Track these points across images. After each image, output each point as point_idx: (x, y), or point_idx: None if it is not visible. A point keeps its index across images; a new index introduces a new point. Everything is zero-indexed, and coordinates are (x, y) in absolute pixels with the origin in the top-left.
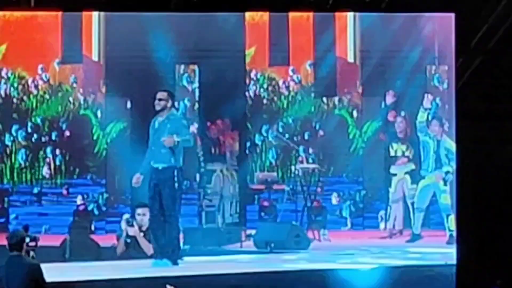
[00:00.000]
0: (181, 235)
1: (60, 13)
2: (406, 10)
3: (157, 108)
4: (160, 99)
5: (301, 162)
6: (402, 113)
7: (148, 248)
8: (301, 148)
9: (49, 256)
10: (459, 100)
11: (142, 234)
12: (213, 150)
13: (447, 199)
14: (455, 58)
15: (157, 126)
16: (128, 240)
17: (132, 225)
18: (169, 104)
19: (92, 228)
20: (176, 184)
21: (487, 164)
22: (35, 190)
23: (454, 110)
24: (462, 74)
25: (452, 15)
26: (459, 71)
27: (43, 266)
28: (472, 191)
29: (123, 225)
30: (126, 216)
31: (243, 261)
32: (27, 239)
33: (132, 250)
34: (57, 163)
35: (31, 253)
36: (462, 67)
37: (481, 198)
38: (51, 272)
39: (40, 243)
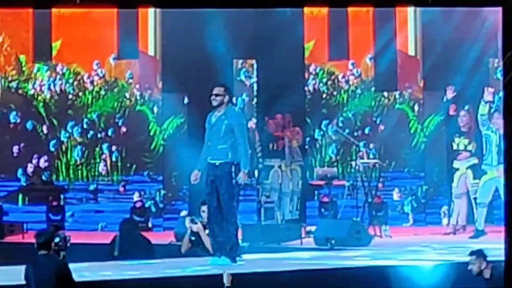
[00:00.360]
0: (239, 232)
1: (115, 9)
2: (453, 4)
3: (214, 103)
4: (217, 94)
5: (362, 157)
6: (466, 107)
7: (210, 245)
8: (361, 143)
9: (103, 253)
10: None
11: (206, 231)
12: (271, 146)
13: None
14: (502, 52)
15: (214, 121)
16: (193, 238)
17: (196, 223)
18: (226, 99)
19: (149, 225)
20: (233, 180)
21: None
22: (91, 187)
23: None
24: (509, 69)
25: (499, 9)
26: (506, 66)
27: (95, 264)
28: None
29: (187, 222)
30: (184, 212)
31: (303, 258)
32: (57, 239)
33: (196, 248)
34: (114, 159)
35: (62, 253)
36: (509, 61)
37: None
38: (102, 269)
39: (96, 241)
